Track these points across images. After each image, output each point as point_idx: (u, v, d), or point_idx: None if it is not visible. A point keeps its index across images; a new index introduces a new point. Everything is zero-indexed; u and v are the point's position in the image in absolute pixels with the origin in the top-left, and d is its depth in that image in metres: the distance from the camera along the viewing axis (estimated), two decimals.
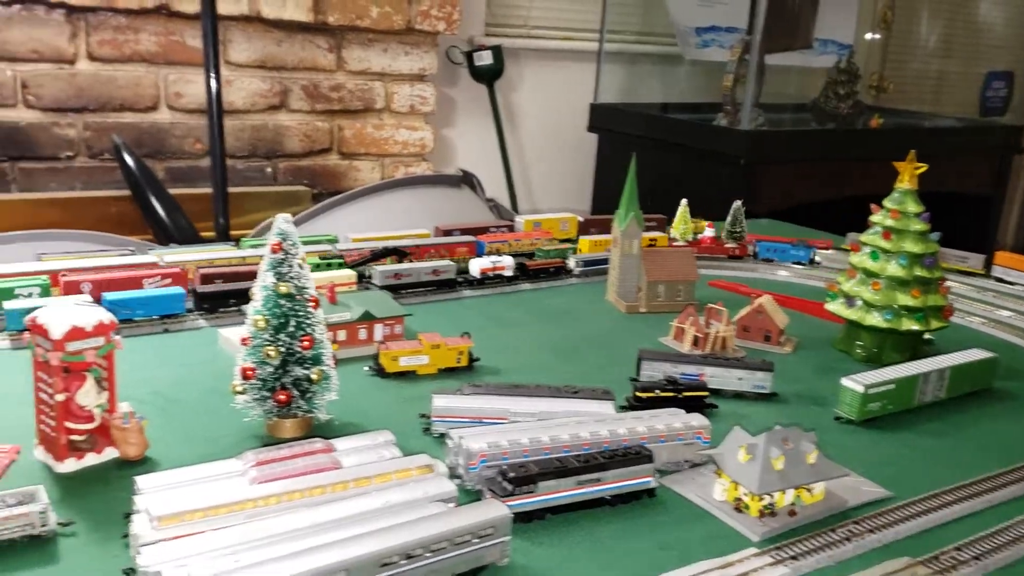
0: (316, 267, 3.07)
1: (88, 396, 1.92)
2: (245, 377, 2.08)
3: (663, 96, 7.11)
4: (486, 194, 5.11)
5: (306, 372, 2.09)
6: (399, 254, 3.33)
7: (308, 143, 5.61)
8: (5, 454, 1.95)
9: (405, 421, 2.25)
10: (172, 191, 4.83)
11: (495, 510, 1.70)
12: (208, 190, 5.19)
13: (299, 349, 2.07)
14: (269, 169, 5.53)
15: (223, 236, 4.54)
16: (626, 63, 6.95)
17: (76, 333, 1.88)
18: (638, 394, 2.37)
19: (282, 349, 2.06)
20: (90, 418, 1.94)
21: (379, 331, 2.71)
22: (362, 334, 2.67)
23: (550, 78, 6.79)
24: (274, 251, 2.06)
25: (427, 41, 5.78)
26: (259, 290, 2.08)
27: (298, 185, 5.62)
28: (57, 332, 1.85)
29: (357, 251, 3.31)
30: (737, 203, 3.99)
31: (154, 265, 2.97)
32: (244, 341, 2.10)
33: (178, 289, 2.77)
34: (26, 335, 1.93)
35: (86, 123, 4.91)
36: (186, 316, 2.80)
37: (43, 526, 1.68)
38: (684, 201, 3.92)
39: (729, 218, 3.98)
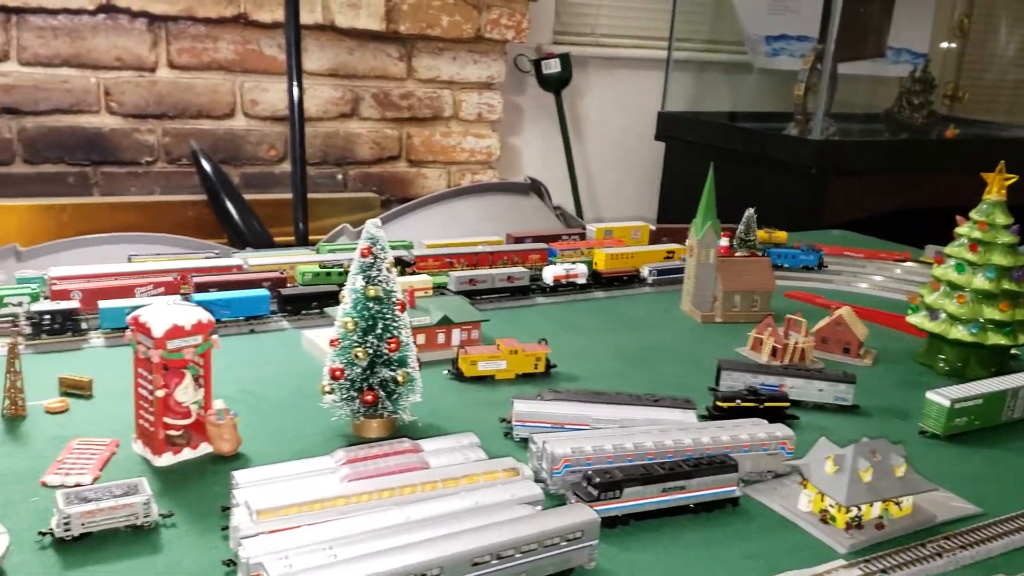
0: (316, 276, 3.08)
1: (186, 393, 2.00)
2: (334, 377, 2.14)
3: (731, 105, 7.07)
4: (553, 202, 5.14)
5: (392, 374, 2.14)
6: (403, 263, 3.27)
7: (378, 150, 5.71)
8: (105, 447, 2.04)
9: (485, 424, 2.28)
10: (246, 196, 4.96)
11: (584, 514, 1.72)
12: (280, 195, 5.34)
13: (386, 351, 2.13)
14: (340, 176, 5.64)
15: (302, 241, 4.64)
16: (694, 71, 6.93)
17: (176, 332, 1.95)
18: (719, 404, 2.37)
19: (370, 351, 2.11)
20: (187, 414, 2.01)
21: (457, 336, 2.76)
22: (440, 338, 2.72)
23: (617, 86, 6.81)
24: (364, 255, 2.12)
25: (496, 49, 5.85)
26: (348, 293, 2.14)
27: (367, 192, 5.72)
28: (159, 330, 1.93)
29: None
30: (750, 211, 3.87)
31: (237, 268, 3.06)
32: (333, 342, 2.16)
33: (264, 291, 2.85)
34: (127, 333, 2.01)
35: (165, 129, 5.07)
36: (270, 318, 2.88)
37: (146, 517, 1.75)
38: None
39: (741, 226, 3.86)
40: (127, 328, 2.02)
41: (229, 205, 4.88)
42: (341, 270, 3.08)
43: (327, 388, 2.17)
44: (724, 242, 3.77)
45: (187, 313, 1.99)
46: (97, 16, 4.78)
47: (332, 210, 5.27)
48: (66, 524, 1.67)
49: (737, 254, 3.67)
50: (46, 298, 2.72)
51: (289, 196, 5.28)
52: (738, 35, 6.93)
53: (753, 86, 7.17)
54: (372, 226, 2.12)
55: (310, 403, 2.31)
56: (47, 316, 2.54)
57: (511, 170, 6.40)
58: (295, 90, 4.57)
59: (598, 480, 1.86)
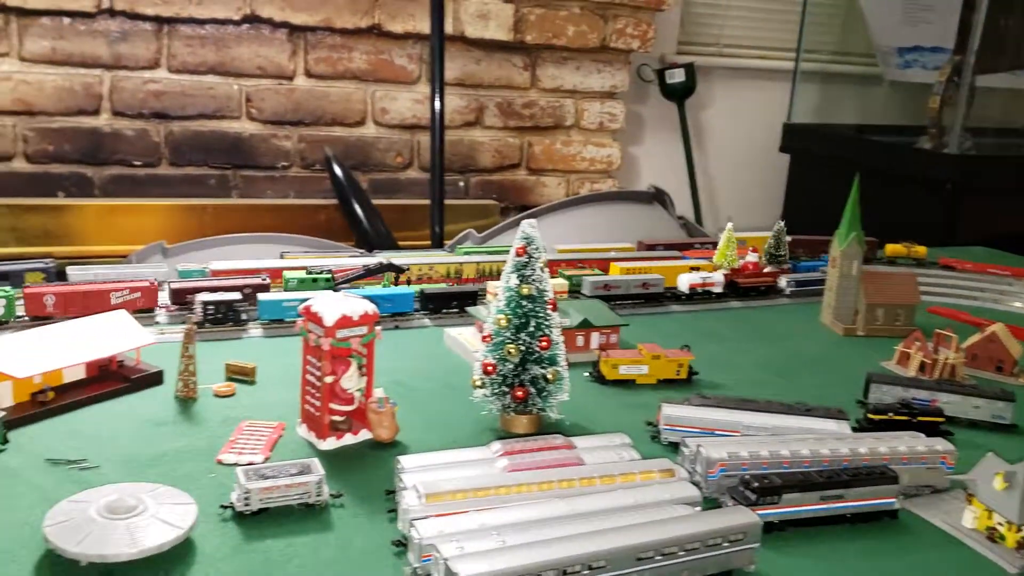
0: (302, 282, 3.00)
1: (351, 380, 2.09)
2: (486, 372, 2.20)
3: (860, 117, 6.90)
4: (676, 211, 5.13)
5: (543, 371, 2.19)
6: (396, 270, 3.20)
7: (499, 159, 5.81)
8: (272, 430, 2.15)
9: (628, 427, 2.29)
10: (373, 201, 5.13)
11: (746, 516, 1.73)
12: (405, 201, 5.50)
13: (538, 349, 2.18)
14: (462, 183, 5.76)
15: (438, 243, 4.76)
16: (821, 83, 6.80)
17: (345, 321, 2.05)
18: (870, 416, 2.33)
19: (522, 348, 2.17)
20: (350, 401, 2.11)
21: (595, 339, 2.79)
22: (579, 341, 2.76)
23: (741, 97, 6.74)
24: (519, 254, 2.18)
25: (620, 59, 5.88)
26: (502, 291, 2.20)
27: (487, 199, 5.82)
28: (329, 319, 2.04)
29: (348, 267, 3.17)
30: (780, 224, 3.70)
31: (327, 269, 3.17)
32: (485, 338, 2.23)
33: (410, 289, 2.95)
34: (298, 322, 2.12)
35: (301, 135, 5.29)
36: (413, 315, 2.98)
37: (318, 496, 1.84)
38: (729, 225, 3.65)
39: (771, 240, 3.69)
40: (298, 318, 2.13)
41: (357, 209, 5.05)
42: (328, 276, 3.04)
43: (478, 382, 2.23)
44: (753, 257, 3.65)
45: (355, 305, 2.09)
46: (242, 26, 5.03)
47: (453, 216, 5.38)
48: (246, 499, 1.78)
49: (766, 270, 3.54)
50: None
51: (413, 202, 5.46)
52: (868, 46, 6.77)
53: (882, 98, 6.98)
54: (527, 226, 2.18)
55: (456, 396, 2.39)
56: (211, 306, 2.70)
57: (630, 179, 6.41)
58: (437, 102, 4.70)
59: (756, 485, 1.87)
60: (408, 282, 3.16)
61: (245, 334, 2.77)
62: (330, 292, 2.16)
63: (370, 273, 3.17)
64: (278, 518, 1.80)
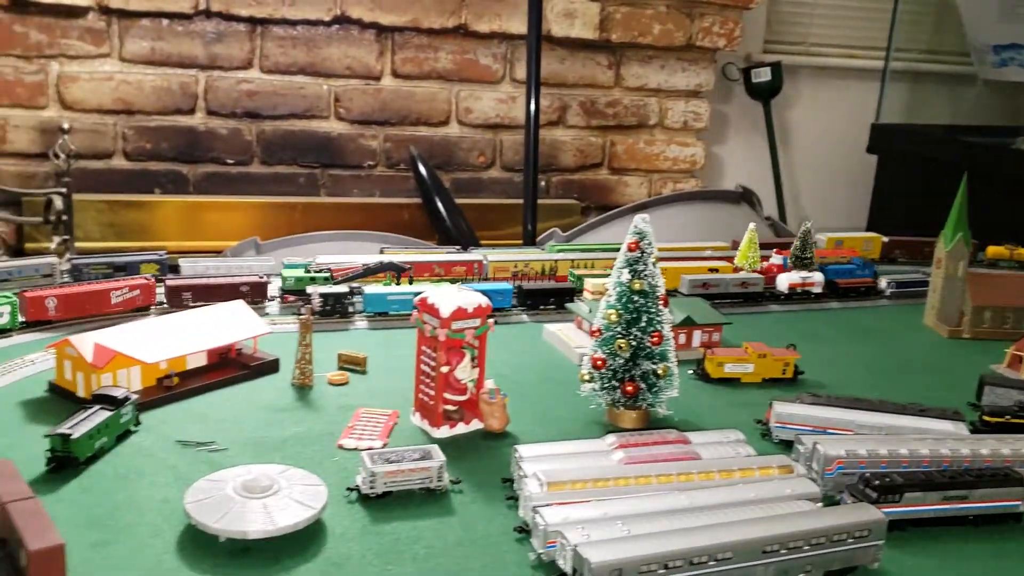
0: (299, 281, 2.99)
1: (464, 371, 2.15)
2: (595, 367, 2.23)
3: (952, 118, 6.75)
4: (764, 211, 5.09)
5: (654, 367, 2.22)
6: (397, 270, 3.16)
7: (581, 158, 5.83)
8: (387, 417, 2.22)
9: (736, 424, 2.29)
10: (456, 200, 5.20)
11: (870, 514, 1.73)
12: (487, 200, 5.56)
13: (649, 344, 2.20)
14: (543, 183, 5.80)
15: (530, 241, 4.81)
16: (911, 82, 6.68)
17: (460, 313, 2.11)
18: (986, 418, 2.30)
19: (633, 343, 2.20)
20: (464, 391, 2.16)
21: (697, 337, 2.80)
22: (682, 338, 2.77)
23: (828, 96, 6.65)
24: (631, 249, 2.20)
25: (705, 58, 5.86)
26: (613, 286, 2.23)
27: (569, 199, 5.86)
28: (446, 311, 2.09)
29: (349, 266, 3.14)
30: (807, 224, 3.53)
31: (478, 264, 3.24)
32: (595, 333, 2.26)
33: (508, 285, 3.00)
34: (414, 314, 2.18)
35: (387, 135, 5.39)
36: (511, 311, 3.03)
37: (439, 481, 1.90)
38: (752, 225, 3.58)
39: (797, 242, 3.53)
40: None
41: (440, 207, 5.13)
42: (327, 275, 3.04)
43: (586, 376, 2.26)
44: (777, 259, 3.56)
45: (470, 297, 2.14)
46: (332, 27, 5.16)
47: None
48: (372, 481, 1.84)
49: (793, 272, 3.44)
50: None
51: (495, 201, 5.53)
52: (961, 44, 6.61)
53: (975, 98, 6.82)
54: (640, 221, 2.21)
55: (560, 390, 2.43)
56: (320, 298, 2.79)
57: (713, 179, 6.38)
58: (533, 103, 4.76)
59: (877, 483, 1.86)
60: (410, 281, 3.15)
61: (352, 326, 2.85)
62: (446, 285, 2.21)
63: (370, 272, 3.15)
64: (402, 501, 1.86)
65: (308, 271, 3.06)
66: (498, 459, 2.04)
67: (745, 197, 5.07)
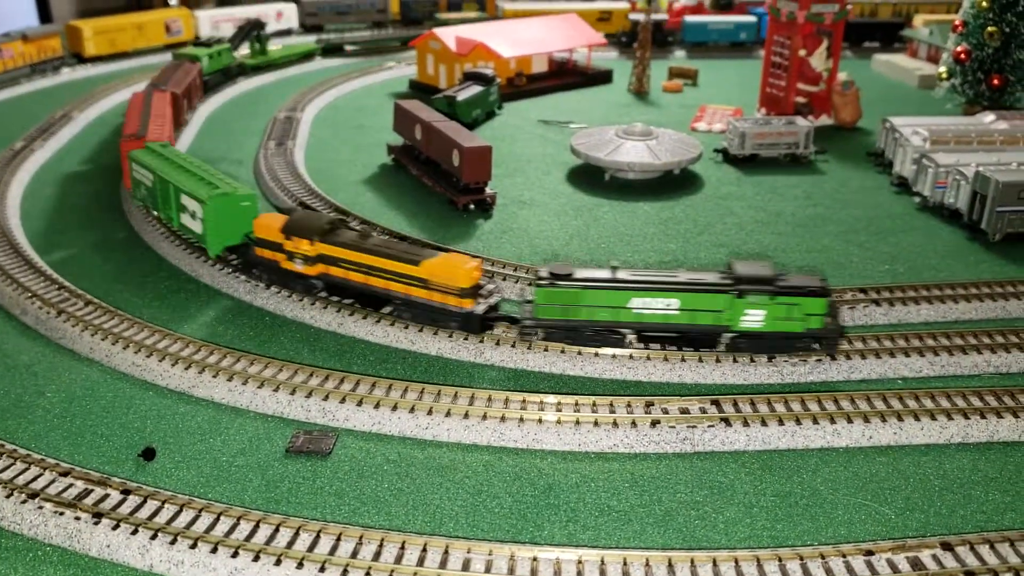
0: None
1: (819, 59, 2.19)
2: (958, 60, 2.21)
3: None
4: None
5: None
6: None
7: None
8: (731, 111, 2.31)
9: None
10: None
11: None
12: None
13: None
14: None
15: None
16: None
17: None
18: None
19: (1006, 30, 2.12)
20: (817, 80, 2.22)
21: None
22: None
23: None
24: None
25: None
26: None
27: None
28: None
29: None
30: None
31: None
32: (956, 27, 2.21)
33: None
34: (768, 1, 2.21)
35: None
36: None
37: (804, 147, 1.98)
38: None
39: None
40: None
41: None
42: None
43: (944, 74, 2.23)
44: None
45: None
46: None
47: None
48: (741, 142, 1.94)
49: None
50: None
51: None
52: None
53: None
54: None
55: (903, 107, 2.40)
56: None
57: None
58: None
59: None
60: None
61: (671, 55, 2.93)
62: None
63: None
64: (767, 164, 1.96)
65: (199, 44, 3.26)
66: (851, 143, 2.08)
67: None
